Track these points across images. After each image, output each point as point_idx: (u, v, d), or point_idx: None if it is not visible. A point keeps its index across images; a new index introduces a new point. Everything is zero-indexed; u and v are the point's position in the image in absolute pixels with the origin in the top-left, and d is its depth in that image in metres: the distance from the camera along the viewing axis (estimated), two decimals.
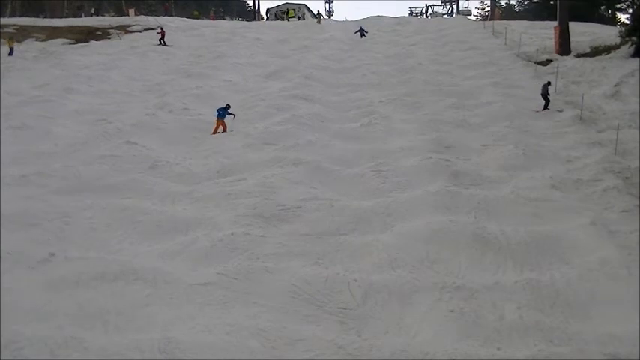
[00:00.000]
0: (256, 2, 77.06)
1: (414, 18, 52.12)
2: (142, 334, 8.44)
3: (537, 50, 27.97)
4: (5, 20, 40.67)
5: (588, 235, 10.95)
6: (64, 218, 12.38)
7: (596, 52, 26.49)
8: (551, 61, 26.60)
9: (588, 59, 25.65)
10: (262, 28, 42.64)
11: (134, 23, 41.13)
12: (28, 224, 11.99)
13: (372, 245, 11.06)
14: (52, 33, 37.57)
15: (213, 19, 49.61)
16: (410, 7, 70.39)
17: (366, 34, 37.36)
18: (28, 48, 34.40)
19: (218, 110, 19.51)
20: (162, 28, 36.01)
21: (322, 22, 46.22)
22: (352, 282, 9.82)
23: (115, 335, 8.47)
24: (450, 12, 57.26)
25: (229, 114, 19.43)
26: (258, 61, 31.24)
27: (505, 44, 31.58)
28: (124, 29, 39.44)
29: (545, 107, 19.94)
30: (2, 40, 33.31)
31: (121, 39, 37.14)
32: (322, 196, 13.49)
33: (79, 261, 10.37)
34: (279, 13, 54.37)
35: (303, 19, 51.61)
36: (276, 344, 8.32)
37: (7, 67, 28.74)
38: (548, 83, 20.37)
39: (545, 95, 20.03)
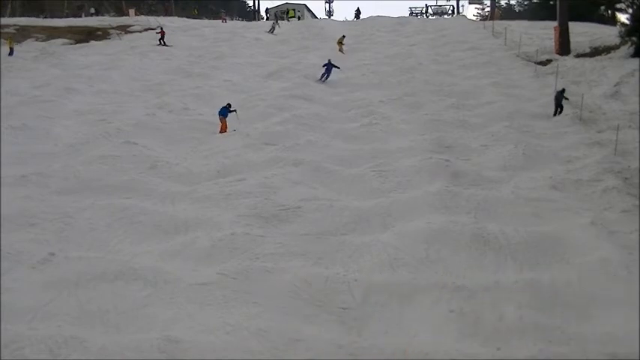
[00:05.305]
0: (256, 2, 77.07)
1: (414, 18, 51.93)
2: (141, 334, 8.44)
3: (537, 50, 27.94)
4: (5, 20, 40.68)
5: (588, 235, 10.93)
6: (64, 218, 12.38)
7: (596, 52, 26.49)
8: (551, 61, 26.58)
9: (588, 59, 25.64)
10: (262, 27, 42.59)
11: (134, 23, 41.19)
12: (28, 224, 12.00)
13: (372, 245, 11.05)
14: (52, 33, 37.61)
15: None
16: (410, 7, 70.19)
17: (331, 70, 25.60)
18: (28, 48, 34.41)
19: (220, 110, 19.53)
20: (162, 28, 36.05)
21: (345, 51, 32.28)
22: (352, 282, 9.83)
23: (115, 335, 8.47)
24: (450, 12, 57.02)
25: (231, 111, 19.45)
26: (258, 61, 31.24)
27: (505, 44, 31.57)
28: (124, 29, 39.49)
29: (556, 113, 19.39)
30: (2, 40, 33.31)
31: (121, 39, 37.17)
32: (322, 196, 13.50)
33: (79, 261, 10.36)
34: (279, 13, 54.32)
35: (302, 18, 51.49)
36: (276, 344, 8.32)
37: (7, 67, 28.76)
38: (563, 90, 19.75)
39: (558, 102, 19.46)
